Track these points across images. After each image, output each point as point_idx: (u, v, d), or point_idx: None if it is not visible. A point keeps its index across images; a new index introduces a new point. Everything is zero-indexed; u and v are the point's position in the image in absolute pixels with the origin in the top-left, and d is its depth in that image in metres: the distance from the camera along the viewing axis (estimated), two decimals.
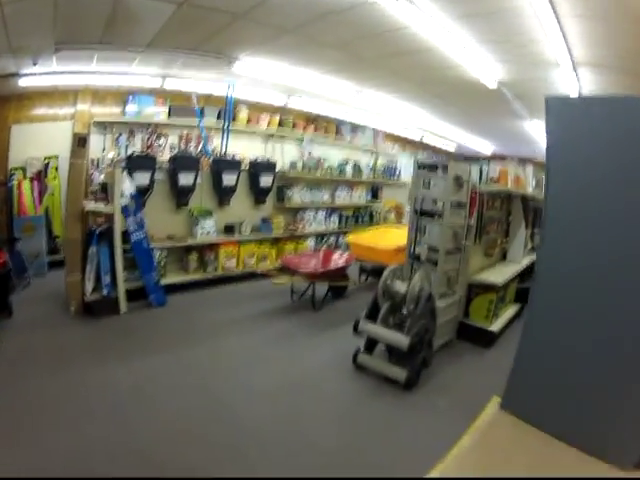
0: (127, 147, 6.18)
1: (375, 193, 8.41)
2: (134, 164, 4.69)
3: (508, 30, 3.90)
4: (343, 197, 7.57)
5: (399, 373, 3.14)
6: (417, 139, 12.02)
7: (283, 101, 7.63)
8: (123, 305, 4.29)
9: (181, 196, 5.29)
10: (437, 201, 3.94)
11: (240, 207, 5.96)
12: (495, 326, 4.25)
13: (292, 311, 4.90)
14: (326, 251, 5.75)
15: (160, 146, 6.76)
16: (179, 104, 6.80)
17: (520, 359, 2.86)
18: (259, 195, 6.19)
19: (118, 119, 6.26)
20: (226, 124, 6.31)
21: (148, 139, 6.49)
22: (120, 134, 6.31)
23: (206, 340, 3.91)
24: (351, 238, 6.19)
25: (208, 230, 5.44)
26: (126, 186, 4.27)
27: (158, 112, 6.45)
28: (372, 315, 3.35)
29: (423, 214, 3.89)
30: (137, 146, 6.45)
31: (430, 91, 6.90)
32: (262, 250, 6.09)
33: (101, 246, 4.11)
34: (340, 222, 7.45)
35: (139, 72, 5.75)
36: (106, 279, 4.13)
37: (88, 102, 6.22)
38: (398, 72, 5.63)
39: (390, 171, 9.00)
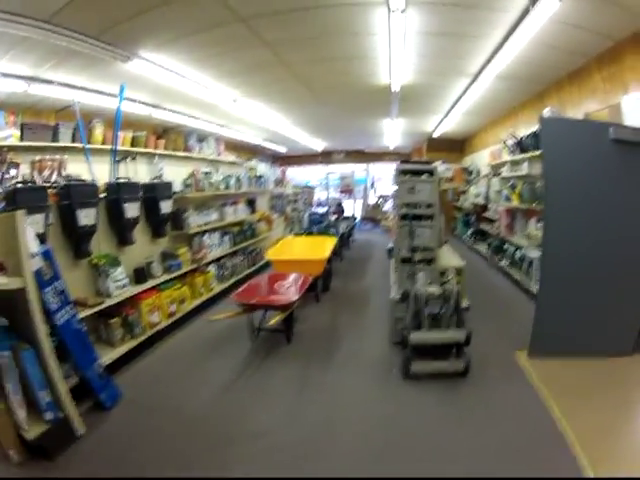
0: None
1: (252, 205, 7.52)
2: (22, 201, 2.94)
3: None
4: (230, 214, 6.51)
5: (457, 364, 3.26)
6: (255, 144, 11.46)
7: (148, 111, 6.22)
8: (79, 425, 2.68)
9: (81, 242, 3.63)
10: (420, 205, 3.97)
11: (140, 243, 4.47)
12: (465, 302, 4.35)
13: (268, 352, 4.09)
14: (280, 275, 4.86)
15: (12, 179, 4.77)
16: (33, 120, 5.16)
17: (542, 310, 3.49)
18: (159, 225, 4.75)
19: None
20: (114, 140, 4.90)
21: None
22: None
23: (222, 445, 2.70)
24: (272, 255, 5.42)
25: (122, 282, 3.90)
26: (31, 240, 2.63)
27: (10, 134, 4.68)
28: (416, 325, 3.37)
29: (415, 218, 3.88)
30: None
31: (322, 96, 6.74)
32: (179, 292, 4.74)
33: (18, 349, 2.45)
34: (231, 242, 6.36)
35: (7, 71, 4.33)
36: (44, 397, 2.50)
37: None
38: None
39: (260, 181, 8.18)
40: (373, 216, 13.45)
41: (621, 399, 2.87)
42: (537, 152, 5.37)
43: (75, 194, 3.48)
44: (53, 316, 2.73)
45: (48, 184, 4.74)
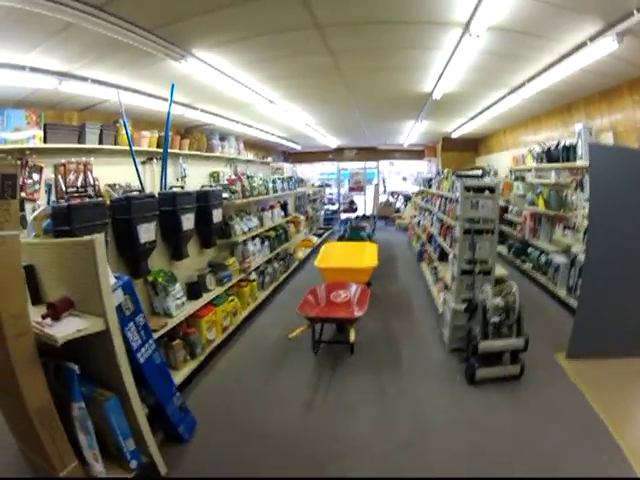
0: None
1: (285, 208, 7.20)
2: (80, 220, 2.54)
3: None
4: (268, 218, 6.16)
5: (513, 369, 3.43)
6: (272, 141, 11.13)
7: (181, 111, 5.87)
8: (161, 466, 2.41)
9: (140, 260, 3.27)
10: (481, 220, 3.95)
11: (191, 255, 4.12)
12: None
13: (334, 364, 3.96)
14: (338, 284, 4.65)
15: (34, 184, 4.44)
16: (56, 120, 4.72)
17: (582, 314, 3.74)
18: (209, 235, 4.38)
19: None
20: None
21: (19, 177, 4.16)
22: None
23: None
24: (320, 264, 5.14)
25: (181, 300, 3.58)
26: (109, 272, 2.26)
27: (32, 135, 4.24)
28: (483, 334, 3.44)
29: (477, 232, 3.89)
30: None
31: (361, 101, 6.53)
32: (232, 304, 4.47)
33: (98, 398, 2.13)
34: (269, 247, 6.04)
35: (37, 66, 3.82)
36: (129, 445, 2.20)
37: None
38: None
39: (290, 183, 7.87)
40: (386, 214, 13.15)
41: None
42: (567, 164, 5.63)
43: (135, 208, 3.08)
44: (135, 355, 2.43)
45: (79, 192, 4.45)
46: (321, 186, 11.66)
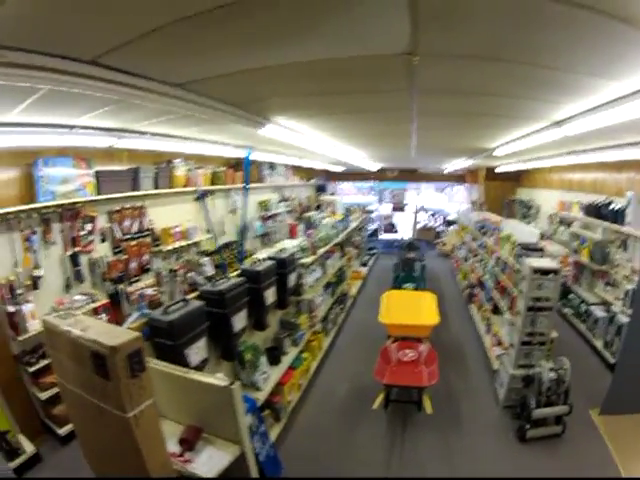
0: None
1: (342, 249, 7.08)
2: (181, 335, 2.46)
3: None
4: (330, 266, 6.01)
5: (557, 429, 3.86)
6: (317, 168, 11.07)
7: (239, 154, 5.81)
8: None
9: (233, 345, 3.23)
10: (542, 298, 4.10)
11: None
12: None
13: (404, 422, 4.15)
14: (406, 344, 4.72)
15: (87, 235, 4.40)
16: (107, 165, 4.63)
17: (622, 371, 3.98)
18: (285, 298, 4.28)
19: (25, 206, 3.76)
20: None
21: (71, 229, 4.25)
22: (33, 231, 3.86)
23: None
24: (385, 319, 5.08)
25: (268, 373, 3.59)
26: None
27: (82, 184, 4.22)
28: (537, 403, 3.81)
29: (538, 310, 4.11)
30: (58, 243, 4.14)
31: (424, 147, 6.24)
32: (306, 363, 4.52)
33: None
34: (330, 293, 5.98)
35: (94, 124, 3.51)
36: None
37: None
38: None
39: (345, 221, 7.65)
40: (426, 238, 12.96)
41: None
42: (613, 225, 5.63)
43: (229, 301, 3.00)
44: (257, 458, 2.43)
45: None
46: (366, 212, 11.49)
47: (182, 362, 2.44)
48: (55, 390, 3.66)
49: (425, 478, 2.61)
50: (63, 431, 3.75)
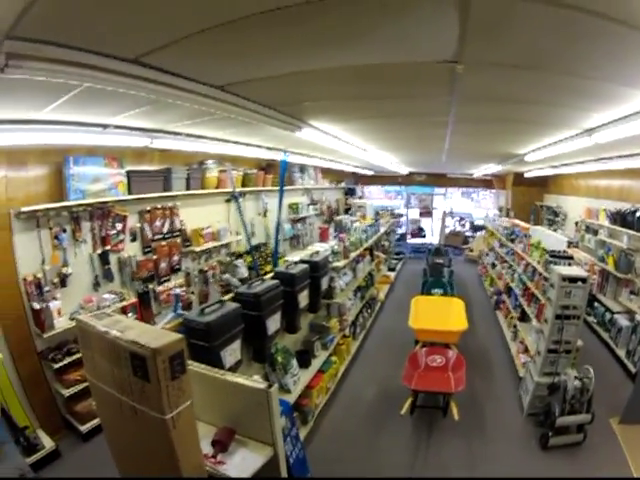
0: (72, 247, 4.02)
1: (372, 254, 7.05)
2: (217, 337, 2.44)
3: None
4: (360, 270, 5.98)
5: (578, 437, 3.84)
6: (346, 170, 11.07)
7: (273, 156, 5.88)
8: None
9: (266, 347, 3.24)
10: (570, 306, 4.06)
11: None
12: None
13: (429, 427, 4.15)
14: (434, 350, 4.71)
15: (118, 234, 4.45)
16: (138, 165, 4.64)
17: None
18: (317, 301, 4.27)
19: (54, 204, 3.78)
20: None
21: (101, 228, 4.27)
22: (62, 228, 3.89)
23: None
24: (414, 324, 5.06)
25: (298, 375, 3.58)
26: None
27: (113, 183, 4.24)
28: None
29: (566, 318, 4.05)
30: (87, 242, 4.18)
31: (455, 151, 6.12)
32: (335, 367, 4.48)
33: None
34: (360, 297, 5.98)
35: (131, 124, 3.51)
36: None
37: None
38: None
39: (375, 226, 7.62)
40: (453, 243, 12.80)
41: None
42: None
43: (265, 304, 2.99)
44: (287, 460, 2.42)
45: None
46: (394, 216, 11.43)
47: (217, 363, 2.42)
48: (79, 387, 3.72)
49: (425, 478, 2.54)
50: (85, 428, 3.79)
